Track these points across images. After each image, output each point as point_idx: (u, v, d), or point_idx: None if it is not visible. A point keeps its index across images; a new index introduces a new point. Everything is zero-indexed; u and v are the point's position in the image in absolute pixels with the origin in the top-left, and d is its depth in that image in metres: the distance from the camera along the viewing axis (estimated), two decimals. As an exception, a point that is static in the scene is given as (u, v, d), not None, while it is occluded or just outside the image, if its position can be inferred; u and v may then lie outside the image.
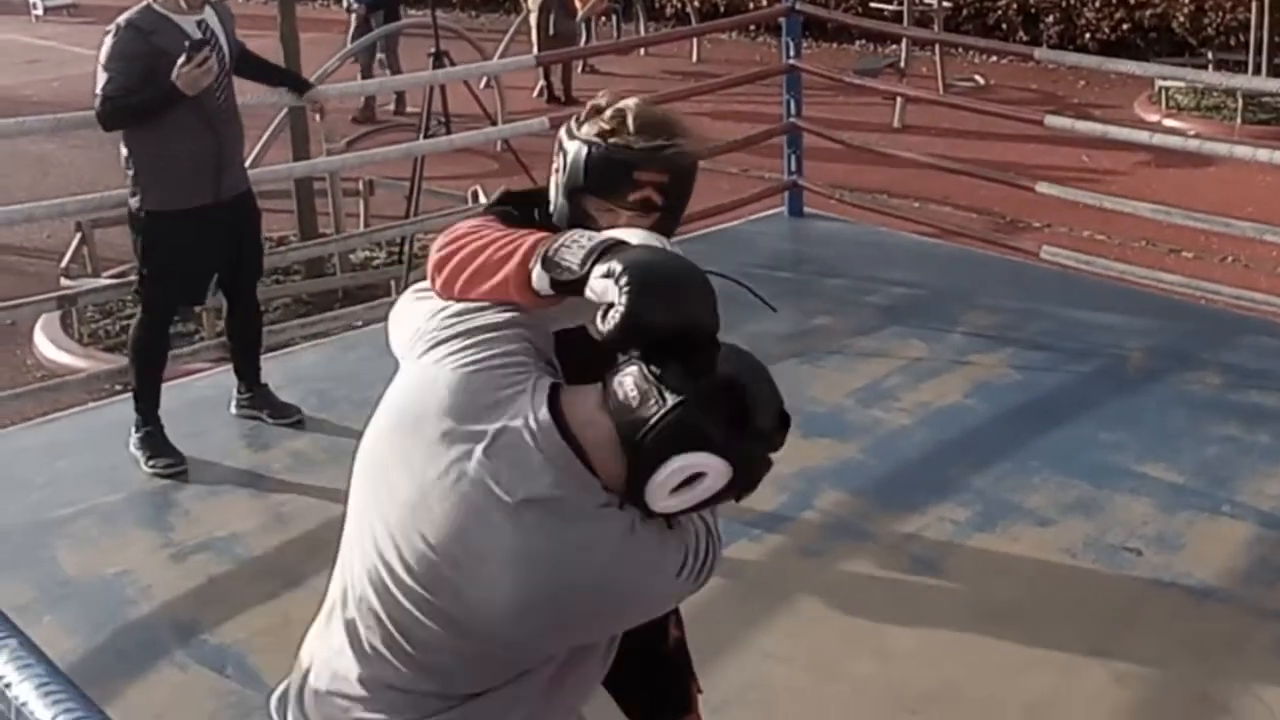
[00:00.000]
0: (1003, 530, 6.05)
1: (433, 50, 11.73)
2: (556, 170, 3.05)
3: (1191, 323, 8.43)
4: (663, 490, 2.47)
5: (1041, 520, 6.16)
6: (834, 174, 11.59)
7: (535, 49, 17.76)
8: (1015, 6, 21.04)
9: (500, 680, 2.68)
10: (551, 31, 18.43)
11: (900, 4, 19.11)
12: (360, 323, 8.97)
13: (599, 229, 2.78)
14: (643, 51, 20.91)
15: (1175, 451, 6.76)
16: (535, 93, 18.64)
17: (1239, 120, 16.18)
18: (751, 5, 22.56)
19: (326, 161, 10.62)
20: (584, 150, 2.98)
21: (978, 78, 19.06)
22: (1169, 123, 16.18)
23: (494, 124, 13.11)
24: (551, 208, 3.07)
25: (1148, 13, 20.00)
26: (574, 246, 2.60)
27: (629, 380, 2.48)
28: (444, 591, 2.58)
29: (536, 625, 2.59)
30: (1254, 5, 17.65)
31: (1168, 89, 17.11)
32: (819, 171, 10.91)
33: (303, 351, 8.50)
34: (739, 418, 2.47)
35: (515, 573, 2.52)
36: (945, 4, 19.38)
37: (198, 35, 6.45)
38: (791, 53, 10.13)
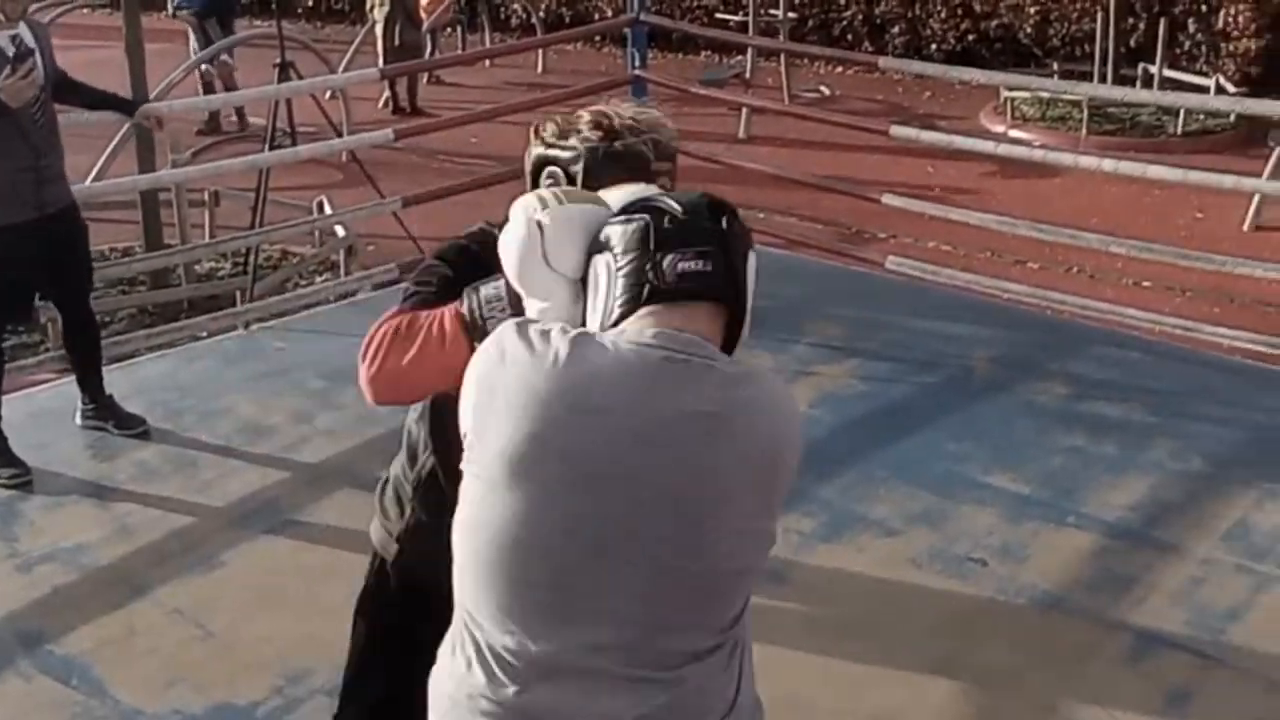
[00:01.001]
0: (849, 541, 6.09)
1: (278, 61, 11.64)
2: (551, 187, 3.10)
3: (1037, 333, 8.54)
4: None
5: (888, 531, 6.21)
6: (679, 184, 11.56)
7: (381, 60, 17.88)
8: (860, 17, 21.23)
9: None
10: (397, 42, 18.43)
11: (746, 14, 19.23)
12: (205, 334, 8.92)
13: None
14: (488, 63, 20.85)
15: (1021, 462, 6.85)
16: (380, 104, 18.53)
17: (1084, 131, 16.41)
18: (597, 16, 22.64)
19: (171, 174, 10.49)
20: (596, 152, 3.15)
21: (823, 88, 19.19)
22: (1015, 133, 16.38)
23: (339, 135, 13.07)
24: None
25: (993, 23, 20.27)
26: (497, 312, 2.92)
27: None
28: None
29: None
30: (1099, 16, 17.95)
31: (1013, 99, 17.33)
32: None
33: (147, 362, 8.42)
34: None
35: None
36: (790, 14, 19.52)
37: (13, 50, 6.39)
38: (637, 63, 10.17)
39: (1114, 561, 6.07)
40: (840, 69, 20.26)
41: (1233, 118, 16.32)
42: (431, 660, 2.81)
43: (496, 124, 11.73)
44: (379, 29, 18.69)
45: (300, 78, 11.68)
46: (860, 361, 7.92)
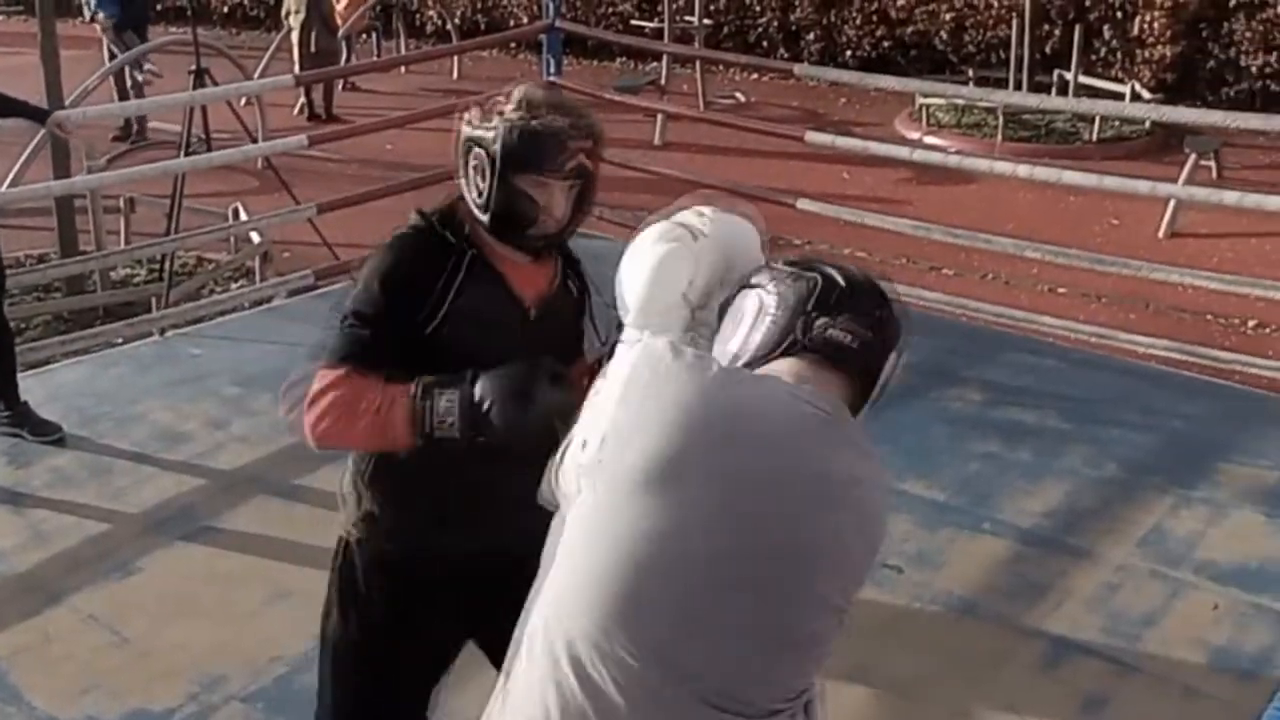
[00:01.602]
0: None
1: (193, 68, 11.60)
2: (476, 167, 3.39)
3: (953, 339, 8.57)
4: None
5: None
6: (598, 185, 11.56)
7: (297, 66, 17.81)
8: (776, 24, 21.31)
9: None
10: (313, 48, 18.43)
11: (661, 21, 19.27)
12: (120, 340, 8.89)
13: (535, 206, 3.37)
14: (404, 69, 20.82)
15: (936, 468, 6.89)
16: (296, 110, 18.47)
17: (999, 137, 16.51)
18: (512, 22, 22.66)
19: (86, 180, 10.43)
20: (513, 130, 3.32)
21: (739, 95, 19.25)
22: (930, 140, 16.47)
23: (254, 141, 13.05)
24: (477, 208, 3.42)
25: (909, 30, 20.38)
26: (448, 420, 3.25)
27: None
28: None
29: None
30: (1014, 22, 18.06)
31: (928, 106, 17.43)
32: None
33: (63, 369, 8.39)
34: None
35: None
36: (706, 21, 19.58)
37: None
38: (552, 69, 10.17)
39: (1029, 568, 6.11)
40: (756, 76, 20.33)
41: (1148, 124, 16.50)
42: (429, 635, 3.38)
43: (411, 130, 11.68)
44: (295, 35, 18.65)
45: (215, 84, 11.66)
46: (774, 368, 7.92)
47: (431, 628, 3.67)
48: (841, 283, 2.73)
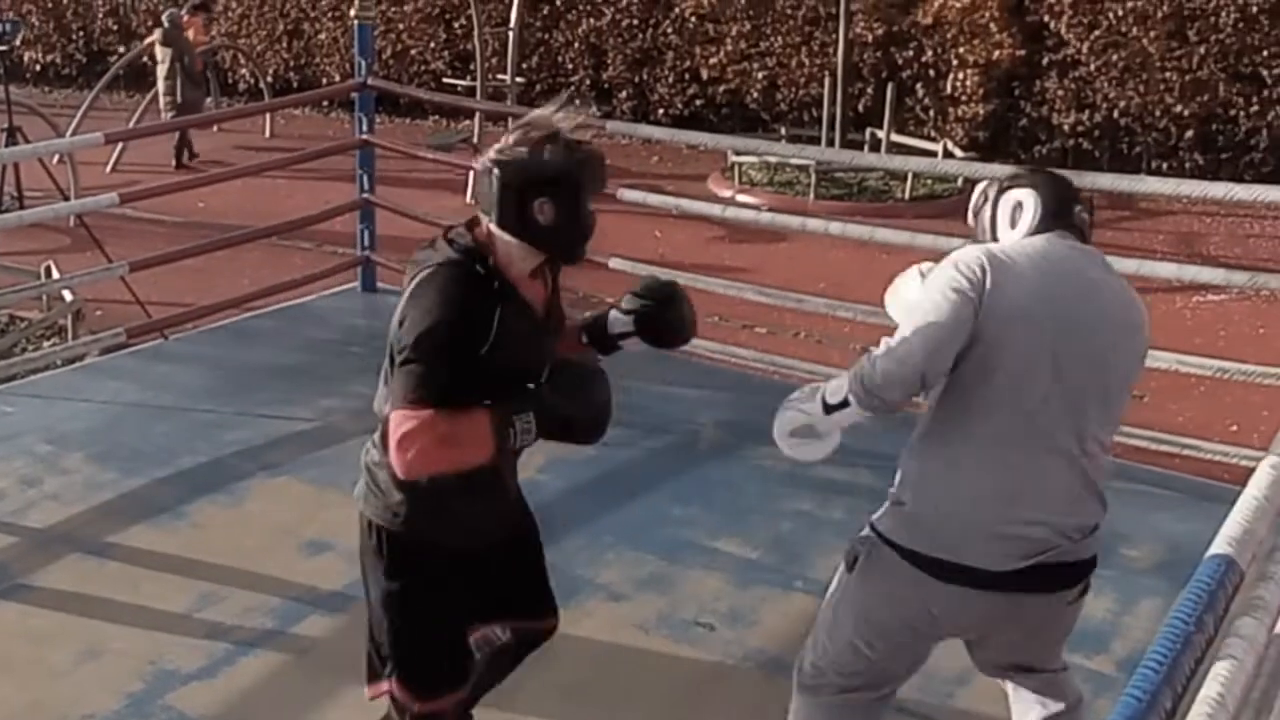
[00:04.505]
0: (576, 606, 6.14)
1: (5, 126, 11.55)
2: (535, 197, 3.90)
3: (765, 397, 8.54)
4: None
5: (614, 595, 6.29)
6: (408, 248, 11.59)
7: (164, 115, 19.07)
8: (588, 81, 21.51)
9: None
10: (179, 99, 19.28)
11: (474, 79, 19.37)
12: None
13: (594, 220, 4.02)
14: (215, 128, 20.79)
15: (748, 527, 6.99)
16: (109, 168, 18.51)
17: (812, 195, 16.80)
18: (324, 80, 22.71)
19: (-103, 238, 10.36)
20: (581, 158, 3.93)
21: (551, 152, 19.35)
22: (742, 198, 16.69)
23: (66, 199, 13.02)
24: (539, 233, 3.96)
25: (721, 88, 20.65)
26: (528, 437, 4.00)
27: None
28: None
29: None
30: (826, 80, 18.37)
31: (741, 164, 17.66)
32: (395, 245, 10.98)
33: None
34: None
35: None
36: (518, 79, 19.70)
37: None
38: (364, 127, 10.20)
39: (841, 625, 6.20)
40: (568, 132, 20.46)
41: (960, 182, 16.83)
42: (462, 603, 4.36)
43: (223, 188, 11.67)
44: (161, 86, 19.45)
45: (28, 142, 11.62)
46: (588, 426, 7.99)
47: (459, 588, 4.35)
48: (1064, 181, 4.39)
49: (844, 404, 4.16)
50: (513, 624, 4.67)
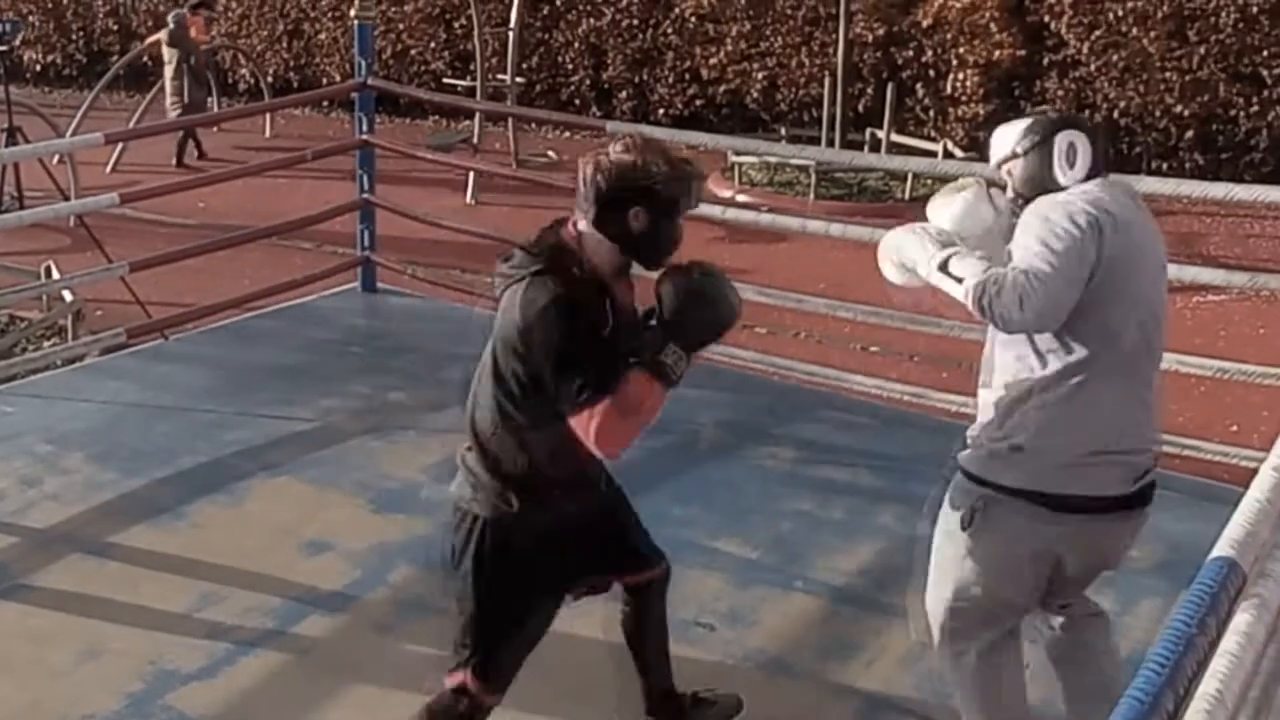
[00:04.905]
0: (575, 605, 6.13)
1: (5, 126, 11.56)
2: (635, 212, 4.30)
3: (765, 398, 8.71)
4: None
5: (614, 595, 6.26)
6: (408, 248, 11.63)
7: (171, 115, 19.15)
8: (588, 82, 21.51)
9: None
10: (185, 99, 19.38)
11: (474, 79, 19.36)
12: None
13: (682, 234, 4.47)
14: (216, 128, 20.79)
15: (748, 527, 6.99)
16: (109, 168, 18.49)
17: (812, 195, 16.79)
18: (325, 80, 22.72)
19: (-104, 239, 10.38)
20: (682, 180, 4.37)
21: (551, 153, 19.38)
22: (742, 198, 16.67)
23: (67, 199, 13.03)
24: (633, 243, 4.34)
25: (721, 89, 20.63)
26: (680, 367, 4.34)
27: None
28: None
29: None
30: (826, 81, 18.35)
31: (741, 165, 17.64)
32: (395, 245, 10.98)
33: None
34: None
35: None
36: (518, 80, 19.70)
37: None
38: (364, 127, 10.19)
39: (841, 626, 6.22)
40: (568, 134, 20.52)
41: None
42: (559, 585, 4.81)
43: (224, 188, 11.66)
44: (168, 85, 19.55)
45: (28, 142, 11.62)
46: (587, 427, 7.98)
47: (548, 571, 4.69)
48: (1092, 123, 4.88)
49: (956, 280, 4.49)
50: (623, 580, 5.15)
